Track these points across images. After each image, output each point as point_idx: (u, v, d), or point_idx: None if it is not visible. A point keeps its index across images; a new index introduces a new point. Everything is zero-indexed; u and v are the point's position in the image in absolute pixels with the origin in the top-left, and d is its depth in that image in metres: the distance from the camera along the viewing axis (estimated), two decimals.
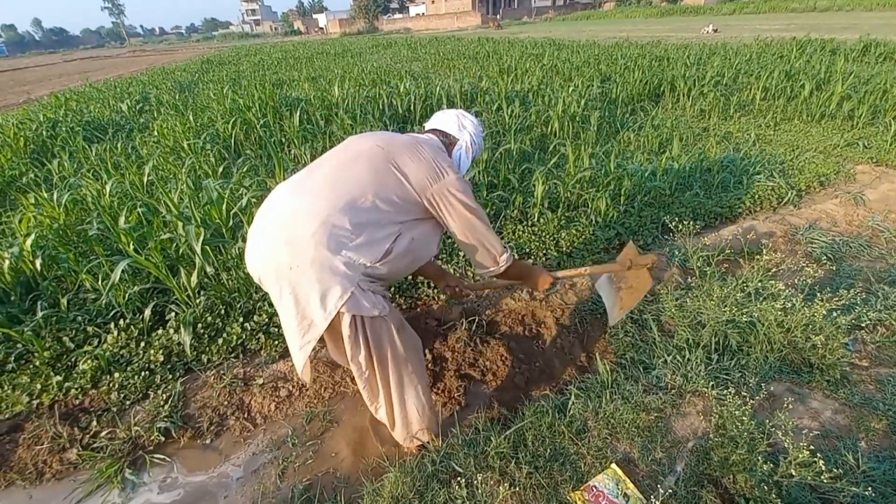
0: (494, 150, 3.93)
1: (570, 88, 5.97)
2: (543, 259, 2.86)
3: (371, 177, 1.35)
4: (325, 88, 6.77)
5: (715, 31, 17.16)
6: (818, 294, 1.85)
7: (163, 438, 1.87)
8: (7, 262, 2.56)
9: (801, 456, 1.19)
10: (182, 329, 2.23)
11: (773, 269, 2.05)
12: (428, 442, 1.62)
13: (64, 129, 5.58)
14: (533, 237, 3.00)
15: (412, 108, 5.37)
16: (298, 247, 1.26)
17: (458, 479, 1.42)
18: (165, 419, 1.92)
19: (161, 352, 2.22)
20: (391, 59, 13.30)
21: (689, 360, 1.80)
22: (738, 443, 1.32)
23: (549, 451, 1.51)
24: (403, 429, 1.58)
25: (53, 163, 4.35)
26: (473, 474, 1.44)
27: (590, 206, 3.30)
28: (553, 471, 1.44)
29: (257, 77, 10.05)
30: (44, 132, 5.44)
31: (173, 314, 2.42)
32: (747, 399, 1.40)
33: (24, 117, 6.14)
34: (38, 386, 2.09)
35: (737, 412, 1.35)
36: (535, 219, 3.17)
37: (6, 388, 2.09)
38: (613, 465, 1.43)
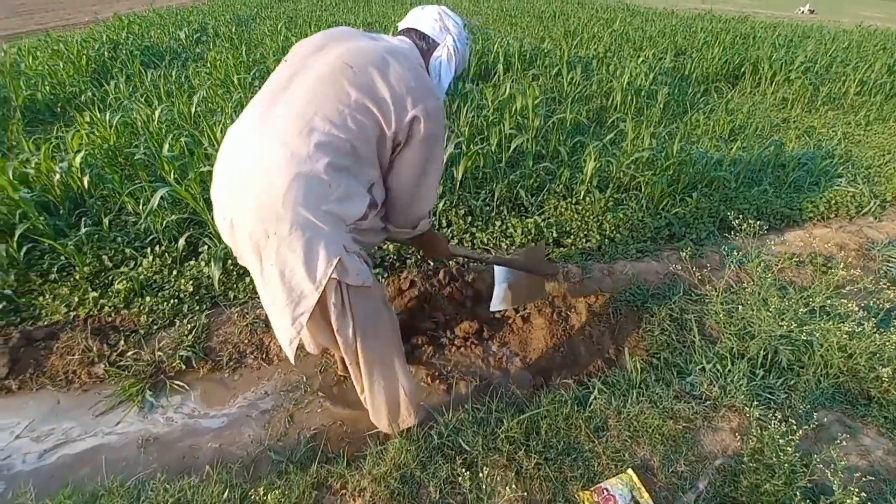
0: (548, 118, 3.69)
1: (640, 59, 5.49)
2: (584, 240, 2.70)
3: (340, 107, 1.08)
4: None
5: (811, 11, 15.38)
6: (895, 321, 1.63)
7: (184, 367, 1.92)
8: (58, 175, 2.64)
9: (850, 502, 1.06)
10: (212, 263, 2.25)
11: (845, 287, 1.83)
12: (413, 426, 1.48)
13: (124, 51, 5.66)
14: (575, 216, 2.83)
15: (467, 63, 5.10)
16: (272, 210, 1.05)
17: (464, 456, 1.38)
18: (188, 348, 1.96)
19: (191, 282, 2.26)
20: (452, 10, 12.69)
21: (730, 371, 1.65)
22: (776, 472, 1.19)
23: (562, 443, 1.43)
24: (387, 413, 1.43)
25: (111, 84, 4.43)
26: (480, 454, 1.39)
27: (642, 189, 3.06)
28: (564, 465, 1.37)
29: (313, 17, 9.84)
30: (105, 53, 5.53)
31: (206, 247, 2.44)
32: (794, 427, 1.26)
33: (88, 36, 6.26)
34: (76, 299, 2.17)
35: (780, 440, 1.21)
36: (581, 196, 2.98)
37: (47, 296, 2.19)
38: (630, 471, 1.34)
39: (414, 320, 2.12)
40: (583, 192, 2.98)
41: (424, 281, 2.25)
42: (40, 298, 2.18)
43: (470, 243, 2.61)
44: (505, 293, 1.99)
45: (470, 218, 2.72)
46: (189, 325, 2.05)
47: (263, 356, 2.00)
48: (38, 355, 1.93)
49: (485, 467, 1.32)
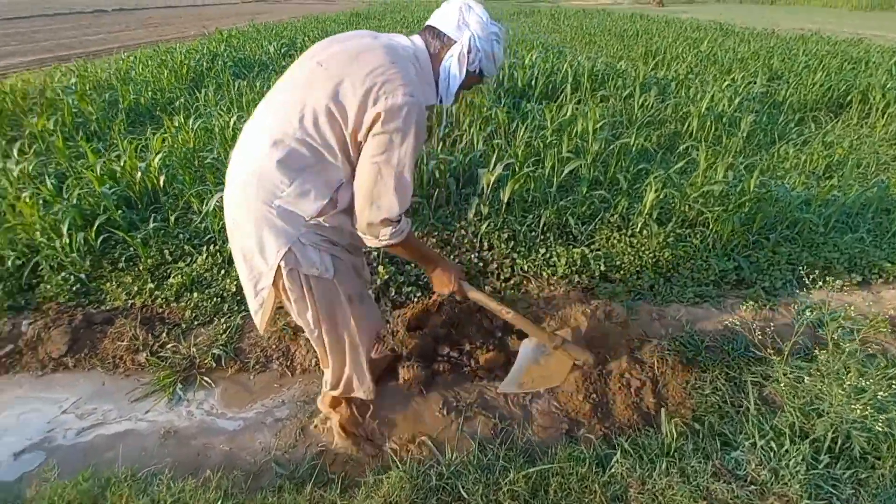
0: (610, 142, 3.49)
1: (725, 83, 5.07)
2: (635, 277, 2.49)
3: (303, 108, 1.11)
4: None
5: None
6: None
7: (214, 364, 2.00)
8: (139, 173, 2.91)
9: None
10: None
11: None
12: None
13: (219, 63, 6.23)
14: (629, 249, 2.62)
15: (533, 82, 5.01)
16: (238, 200, 1.20)
17: None
18: (221, 347, 2.05)
19: (235, 283, 2.36)
20: (528, 29, 12.67)
21: (787, 451, 1.41)
22: None
23: None
24: (338, 389, 1.53)
25: (202, 92, 4.87)
26: None
27: (710, 226, 2.78)
28: None
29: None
30: (203, 63, 6.13)
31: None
32: None
33: (191, 48, 6.99)
34: (136, 288, 2.36)
35: None
36: (638, 229, 2.76)
37: (113, 283, 2.40)
38: None
39: (437, 345, 2.06)
40: (640, 224, 2.77)
41: (454, 305, 2.18)
42: (107, 284, 2.40)
43: (510, 269, 2.50)
44: (524, 375, 1.78)
45: (512, 243, 2.61)
46: (225, 325, 2.14)
47: (288, 363, 2.03)
48: (94, 337, 2.11)
49: None
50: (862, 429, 1.38)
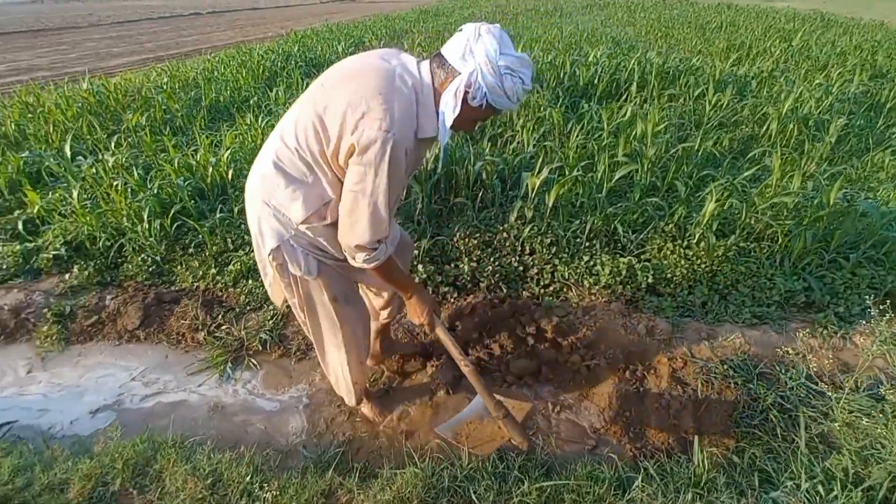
0: (672, 145, 3.29)
1: (816, 81, 4.58)
2: (686, 292, 2.34)
3: (299, 120, 1.22)
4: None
5: None
6: None
7: (260, 347, 2.16)
8: (211, 167, 3.18)
9: None
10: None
11: None
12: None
13: (292, 62, 6.60)
14: (682, 261, 2.46)
15: (596, 81, 4.82)
16: (249, 193, 1.36)
17: None
18: (268, 332, 2.21)
19: None
20: (601, 22, 12.15)
21: (835, 497, 1.27)
22: None
23: None
24: (334, 384, 1.68)
25: (274, 91, 5.20)
26: None
27: (779, 241, 2.54)
28: None
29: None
30: (278, 63, 6.52)
31: None
32: None
33: (269, 49, 7.46)
34: (201, 272, 2.59)
35: None
36: (695, 240, 2.58)
37: (182, 267, 2.65)
38: None
39: (468, 347, 2.07)
40: (697, 236, 2.59)
41: (488, 309, 2.18)
42: (178, 268, 2.66)
43: (550, 275, 2.45)
44: (463, 427, 1.67)
45: (555, 248, 2.55)
46: (272, 312, 2.30)
47: None
48: (163, 314, 2.35)
49: None
50: None
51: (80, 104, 4.56)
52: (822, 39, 7.26)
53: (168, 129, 4.26)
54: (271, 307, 2.33)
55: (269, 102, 4.90)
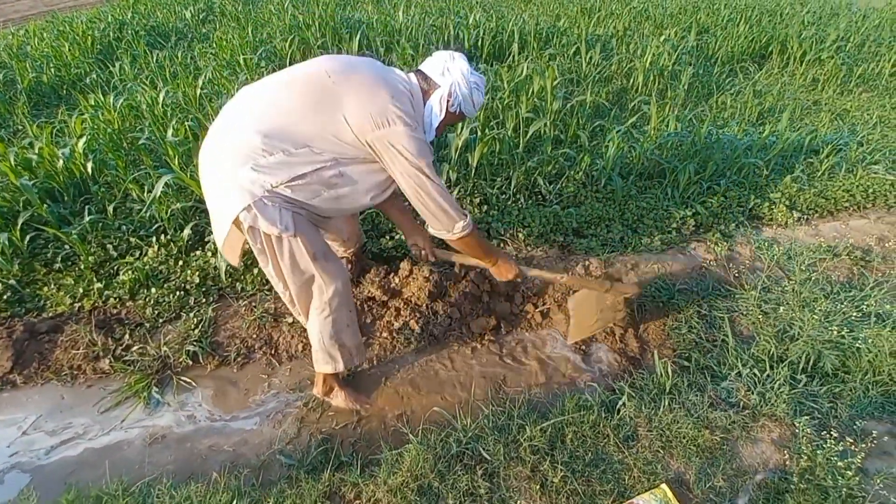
0: (566, 100, 3.51)
1: (662, 38, 5.24)
2: (605, 231, 2.57)
3: (302, 107, 1.31)
4: (389, 12, 6.31)
5: None
6: None
7: (190, 362, 1.86)
8: (60, 161, 2.56)
9: None
10: (219, 253, 2.17)
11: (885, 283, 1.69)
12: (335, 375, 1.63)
13: (129, 32, 5.53)
14: (597, 204, 2.70)
15: (480, 42, 4.90)
16: (212, 159, 1.37)
17: (485, 466, 1.29)
18: (195, 343, 1.89)
19: (197, 273, 2.18)
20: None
21: (769, 377, 1.54)
22: (830, 495, 1.09)
23: (589, 454, 1.34)
24: (314, 351, 1.59)
25: (116, 66, 4.32)
26: (502, 464, 1.30)
27: (667, 177, 2.91)
28: (592, 478, 1.28)
29: None
30: (111, 33, 5.40)
31: (212, 236, 2.36)
32: (853, 448, 1.15)
33: (93, 17, 6.14)
34: (81, 290, 2.11)
35: (839, 462, 1.11)
36: (602, 185, 2.84)
37: (52, 287, 2.13)
38: (664, 486, 1.25)
39: (428, 316, 2.03)
40: (604, 180, 2.84)
41: (440, 275, 2.15)
42: (45, 289, 2.13)
43: (486, 233, 2.49)
44: (582, 320, 1.89)
45: (486, 206, 2.60)
46: (195, 319, 1.98)
47: (273, 352, 1.92)
48: (42, 348, 1.88)
49: (507, 479, 1.24)
50: (832, 348, 1.54)
51: None
52: (654, 2, 8.29)
53: None
54: (192, 314, 2.01)
55: (112, 79, 4.08)
